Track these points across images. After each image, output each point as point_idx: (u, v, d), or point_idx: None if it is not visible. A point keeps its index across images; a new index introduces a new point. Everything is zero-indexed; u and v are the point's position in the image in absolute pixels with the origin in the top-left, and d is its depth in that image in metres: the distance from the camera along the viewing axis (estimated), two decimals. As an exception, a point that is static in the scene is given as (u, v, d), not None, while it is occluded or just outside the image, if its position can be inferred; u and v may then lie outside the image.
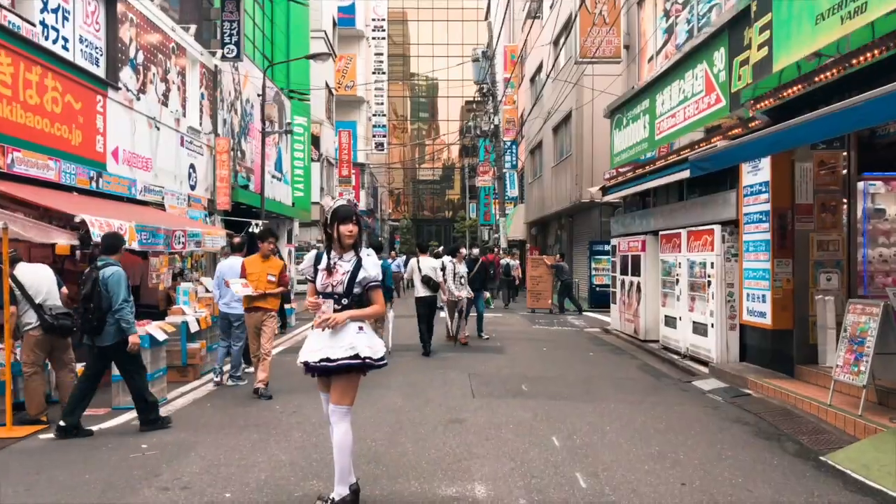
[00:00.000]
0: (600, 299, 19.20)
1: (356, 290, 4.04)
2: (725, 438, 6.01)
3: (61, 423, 5.94)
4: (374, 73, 44.15)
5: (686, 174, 9.19)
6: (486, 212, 51.25)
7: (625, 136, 13.83)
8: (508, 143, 33.08)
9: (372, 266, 4.08)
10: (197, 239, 10.06)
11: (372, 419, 6.52)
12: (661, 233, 11.66)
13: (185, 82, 13.89)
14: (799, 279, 8.26)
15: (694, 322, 10.27)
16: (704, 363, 9.78)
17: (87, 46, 10.28)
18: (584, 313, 18.97)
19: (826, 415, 6.60)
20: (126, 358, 6.18)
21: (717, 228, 9.57)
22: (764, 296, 8.49)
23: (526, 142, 31.75)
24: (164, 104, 12.89)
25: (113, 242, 6.37)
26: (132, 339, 6.05)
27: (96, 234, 7.18)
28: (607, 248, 20.08)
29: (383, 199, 57.37)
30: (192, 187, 14.30)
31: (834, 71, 6.28)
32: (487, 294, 13.78)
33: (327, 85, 28.97)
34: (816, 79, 6.51)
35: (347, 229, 4.07)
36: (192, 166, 14.25)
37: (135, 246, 8.04)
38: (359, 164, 41.22)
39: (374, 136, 44.43)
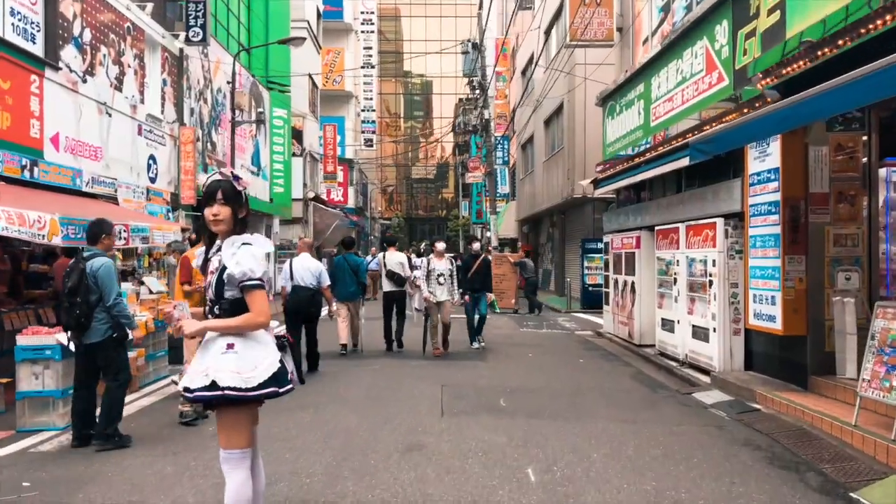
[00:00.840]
0: (593, 300, 18.22)
1: (228, 293, 3.01)
2: (735, 468, 5.03)
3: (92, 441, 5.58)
4: (362, 67, 43.10)
5: (685, 161, 8.21)
6: (478, 210, 50.27)
7: (618, 125, 12.85)
8: (499, 139, 32.07)
9: (242, 259, 2.97)
10: (143, 234, 9.03)
11: (316, 445, 5.51)
12: (657, 228, 10.69)
13: (143, 66, 12.85)
14: (813, 278, 7.29)
15: (693, 326, 9.29)
16: (706, 372, 8.81)
17: (20, 21, 9.23)
18: (576, 315, 17.99)
19: (851, 437, 5.62)
20: (113, 359, 5.67)
21: (719, 222, 8.60)
22: (773, 297, 7.51)
23: (517, 137, 30.76)
24: (118, 89, 11.84)
25: (94, 231, 5.80)
26: (134, 333, 5.77)
27: (3, 228, 6.18)
28: (600, 245, 19.09)
29: (373, 197, 56.30)
30: (153, 180, 13.26)
31: (863, 31, 5.28)
32: (492, 296, 11.90)
33: (311, 77, 27.93)
34: (841, 42, 5.51)
35: (211, 212, 3.07)
36: (152, 157, 13.21)
37: (57, 241, 7.02)
38: (347, 160, 40.19)
39: (362, 131, 43.40)
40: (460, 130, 46.27)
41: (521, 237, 31.40)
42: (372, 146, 43.66)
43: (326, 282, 9.30)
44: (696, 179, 10.20)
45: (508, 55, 35.40)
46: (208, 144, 16.53)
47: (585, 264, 19.31)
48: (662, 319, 10.45)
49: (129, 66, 12.23)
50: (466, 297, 11.05)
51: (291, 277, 9.04)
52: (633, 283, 11.84)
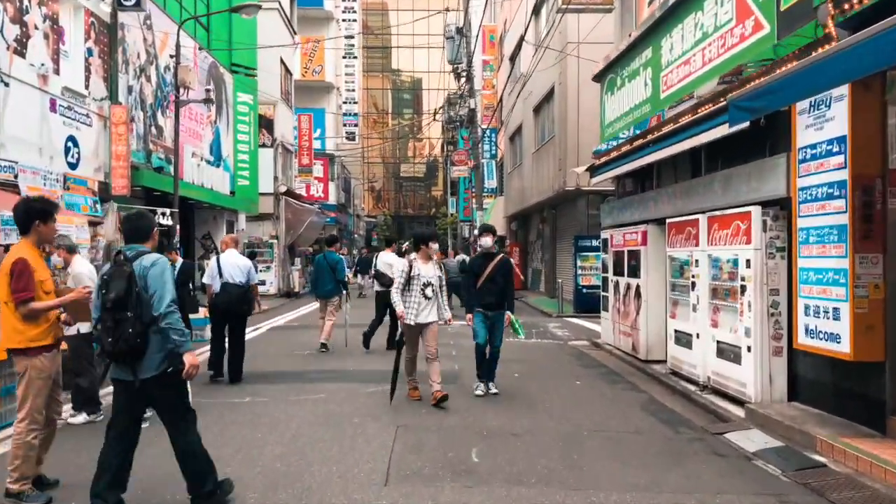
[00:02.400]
0: (588, 303, 16.35)
1: None
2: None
3: None
4: (343, 57, 41.11)
5: (719, 131, 6.30)
6: (465, 207, 48.33)
7: (619, 101, 10.96)
8: (486, 131, 30.14)
9: None
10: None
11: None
12: (668, 221, 8.80)
13: (59, 31, 10.84)
14: (894, 284, 5.43)
15: (719, 342, 7.41)
16: (736, 401, 6.94)
17: None
18: (569, 320, 16.11)
19: None
20: (174, 396, 4.13)
21: (755, 211, 6.72)
22: (836, 309, 5.61)
23: (505, 128, 28.85)
24: (19, 53, 9.85)
25: (140, 225, 4.28)
26: (189, 358, 4.02)
27: None
28: (595, 243, 17.26)
29: (357, 194, 54.27)
30: (73, 165, 11.26)
31: None
32: (511, 316, 7.72)
33: (283, 62, 25.88)
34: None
35: None
36: (71, 139, 11.21)
37: None
38: (328, 154, 38.19)
39: (344, 124, 41.39)
40: (447, 125, 44.34)
41: (510, 235, 29.50)
42: (354, 139, 41.63)
43: (255, 279, 8.80)
44: (719, 161, 8.32)
45: (496, 43, 33.51)
46: (152, 129, 14.53)
47: (579, 264, 17.44)
48: (676, 332, 8.58)
49: (36, 28, 10.22)
50: (469, 318, 7.70)
51: (220, 275, 8.35)
52: (637, 286, 9.95)
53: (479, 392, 7.56)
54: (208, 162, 17.76)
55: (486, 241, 7.85)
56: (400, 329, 7.20)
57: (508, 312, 7.68)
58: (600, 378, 8.86)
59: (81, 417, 6.31)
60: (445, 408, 6.84)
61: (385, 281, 10.58)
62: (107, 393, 7.03)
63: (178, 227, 13.57)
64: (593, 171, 11.78)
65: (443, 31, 73.71)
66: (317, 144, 34.93)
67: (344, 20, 40.54)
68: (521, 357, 10.32)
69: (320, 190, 37.18)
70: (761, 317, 6.70)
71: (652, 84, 9.48)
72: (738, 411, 6.73)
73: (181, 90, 13.62)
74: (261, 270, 23.51)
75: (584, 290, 16.99)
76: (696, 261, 7.88)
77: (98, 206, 11.78)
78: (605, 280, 11.84)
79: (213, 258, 8.78)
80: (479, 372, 7.74)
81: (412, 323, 7.00)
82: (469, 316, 7.72)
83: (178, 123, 13.54)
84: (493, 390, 7.62)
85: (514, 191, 27.40)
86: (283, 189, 24.85)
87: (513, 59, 27.56)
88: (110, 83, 12.58)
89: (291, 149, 28.24)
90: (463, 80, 28.11)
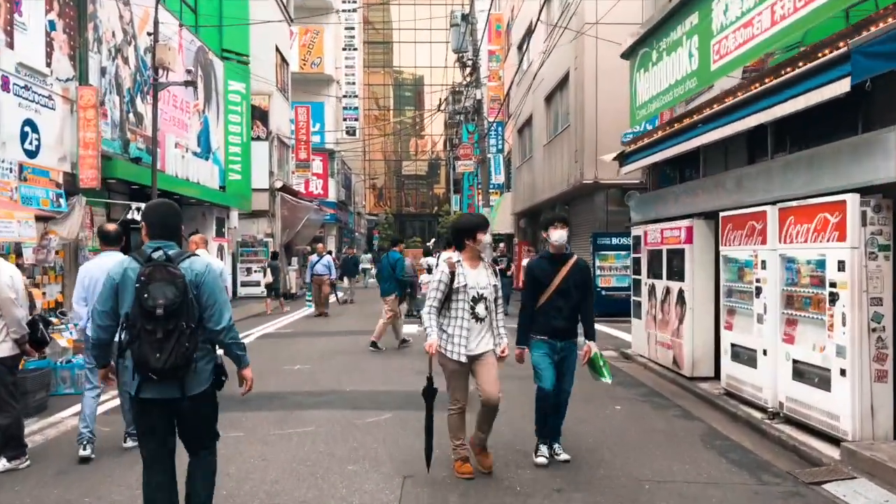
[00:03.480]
0: (608, 307, 14.96)
1: None
2: None
3: None
4: (344, 49, 39.69)
5: (836, 88, 4.85)
6: (469, 204, 46.90)
7: (655, 78, 9.57)
8: (493, 124, 28.72)
9: None
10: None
11: None
12: (723, 214, 7.43)
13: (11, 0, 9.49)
14: None
15: (796, 362, 6.04)
16: (824, 436, 5.57)
17: None
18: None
19: None
20: (213, 413, 3.67)
21: (851, 200, 5.34)
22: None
23: (513, 120, 27.45)
24: (-39, 22, 8.49)
25: (166, 219, 3.63)
26: (248, 373, 3.70)
27: None
28: (616, 241, 15.96)
29: (358, 191, 52.90)
30: (32, 154, 9.90)
31: None
32: (593, 348, 5.25)
33: (278, 50, 24.49)
34: None
35: None
36: (29, 123, 9.85)
37: None
38: (327, 149, 36.83)
39: (344, 119, 39.97)
40: (452, 117, 42.88)
41: (518, 233, 28.08)
42: (355, 135, 40.20)
43: (227, 282, 7.78)
44: (787, 140, 6.94)
45: (503, 32, 32.13)
46: (130, 116, 13.16)
47: (598, 263, 16.06)
48: (734, 346, 7.20)
49: (-18, -6, 8.87)
50: (522, 352, 5.25)
51: None
52: (680, 290, 8.58)
53: (541, 460, 5.12)
54: (195, 154, 16.38)
55: (559, 235, 5.21)
56: (429, 370, 4.72)
57: (589, 342, 5.25)
58: (642, 401, 7.48)
59: (1, 464, 4.96)
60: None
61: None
62: (32, 432, 5.72)
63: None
64: (623, 158, 10.40)
65: (446, 24, 72.59)
66: (316, 139, 33.57)
67: (344, 10, 39.13)
68: (543, 372, 8.92)
69: (319, 186, 35.80)
70: (859, 333, 5.33)
71: (699, 55, 8.08)
72: (830, 451, 5.35)
73: (160, 72, 12.24)
74: (255, 271, 22.17)
75: (604, 293, 15.61)
76: (763, 262, 6.50)
77: (62, 199, 10.42)
78: (636, 283, 10.47)
79: None
80: (539, 429, 5.25)
81: (461, 359, 4.71)
82: (523, 350, 5.25)
83: (156, 109, 12.15)
84: (563, 455, 5.20)
85: (523, 186, 26.02)
86: (278, 184, 23.46)
87: (521, 47, 26.16)
88: (79, 63, 11.21)
89: (288, 142, 26.85)
90: (468, 69, 26.64)
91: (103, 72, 12.05)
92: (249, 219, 22.32)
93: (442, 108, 28.94)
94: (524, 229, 27.56)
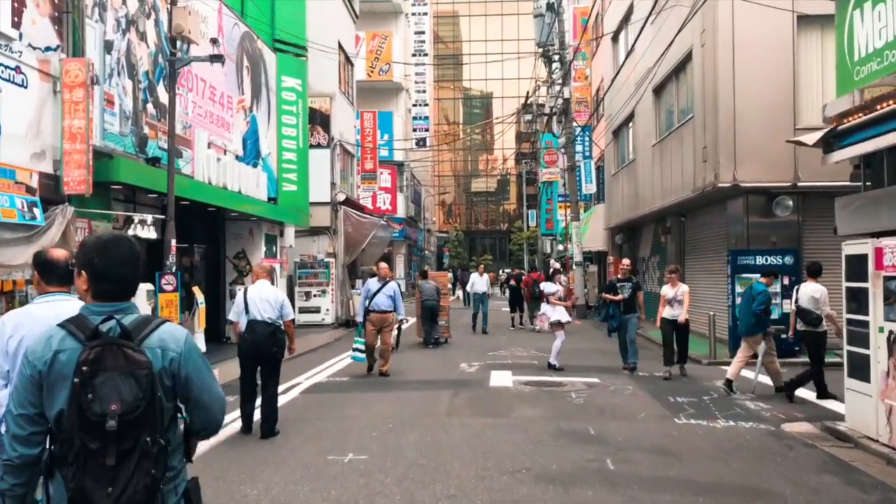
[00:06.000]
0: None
1: None
2: None
3: None
4: (413, 55, 37.15)
5: None
6: (548, 219, 43.29)
7: (886, 20, 6.09)
8: (583, 128, 25.29)
9: None
10: None
11: None
12: None
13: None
14: None
15: None
16: None
17: None
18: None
19: None
20: None
21: None
22: None
23: (607, 120, 23.94)
24: None
25: (107, 266, 2.24)
26: None
27: None
28: (761, 260, 12.34)
29: (427, 207, 50.12)
30: (-9, 146, 7.19)
31: None
32: None
33: (341, 47, 21.83)
34: None
35: None
36: (-12, 104, 7.15)
37: None
38: (396, 162, 34.18)
39: (414, 129, 37.28)
40: (524, 131, 39.58)
41: (613, 250, 24.44)
42: (425, 146, 37.43)
43: (290, 315, 7.24)
44: None
45: (590, 26, 28.74)
46: (149, 106, 10.47)
47: (739, 290, 12.41)
48: None
49: None
50: None
51: (246, 311, 7.00)
52: None
53: None
54: (238, 158, 13.66)
55: None
56: None
57: None
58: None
59: None
60: None
61: (809, 318, 8.52)
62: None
63: (173, 242, 9.37)
64: (837, 138, 6.87)
65: (517, 34, 69.57)
66: (383, 152, 30.95)
67: (414, 14, 36.61)
68: (720, 472, 5.46)
69: (388, 202, 33.12)
70: None
71: None
72: None
73: (178, 44, 9.47)
74: (315, 296, 19.34)
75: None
76: None
77: (37, 209, 7.66)
78: (853, 325, 6.92)
79: (241, 291, 7.34)
80: None
81: None
82: None
83: (173, 92, 9.35)
84: None
85: (620, 197, 22.42)
86: (341, 197, 20.67)
87: (616, 37, 22.74)
88: (72, 31, 8.53)
89: (352, 151, 24.13)
90: (555, 64, 23.37)
91: (108, 46, 9.37)
92: (308, 236, 19.57)
93: (529, 100, 25.67)
94: (620, 246, 23.90)
